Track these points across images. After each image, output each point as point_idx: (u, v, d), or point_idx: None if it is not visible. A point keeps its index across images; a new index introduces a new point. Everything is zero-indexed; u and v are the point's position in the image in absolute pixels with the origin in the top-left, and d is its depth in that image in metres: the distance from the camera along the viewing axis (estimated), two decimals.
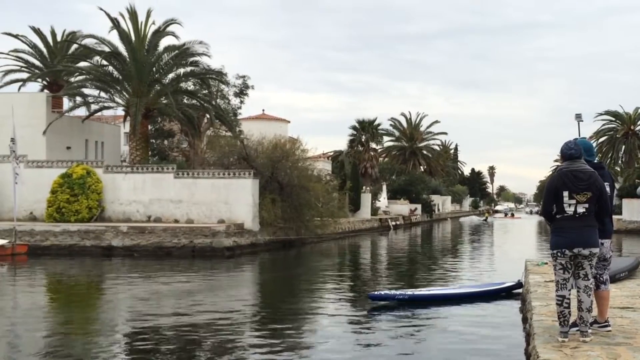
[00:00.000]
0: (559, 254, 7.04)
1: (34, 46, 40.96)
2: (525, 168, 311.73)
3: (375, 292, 14.99)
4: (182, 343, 10.94)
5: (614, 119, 66.51)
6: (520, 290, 14.87)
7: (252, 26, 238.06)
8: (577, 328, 7.11)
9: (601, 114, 66.47)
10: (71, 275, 22.24)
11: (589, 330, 7.07)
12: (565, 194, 6.95)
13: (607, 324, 7.55)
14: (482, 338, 11.05)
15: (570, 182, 6.94)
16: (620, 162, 65.47)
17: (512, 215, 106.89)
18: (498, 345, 10.50)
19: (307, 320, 13.60)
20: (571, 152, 7.09)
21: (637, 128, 65.92)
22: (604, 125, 67.15)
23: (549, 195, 7.11)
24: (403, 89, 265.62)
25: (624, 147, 65.29)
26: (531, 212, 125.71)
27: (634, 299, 10.01)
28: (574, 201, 6.93)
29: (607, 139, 66.28)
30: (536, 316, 8.67)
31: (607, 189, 7.27)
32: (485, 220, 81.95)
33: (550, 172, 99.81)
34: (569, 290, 7.06)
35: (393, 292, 15.14)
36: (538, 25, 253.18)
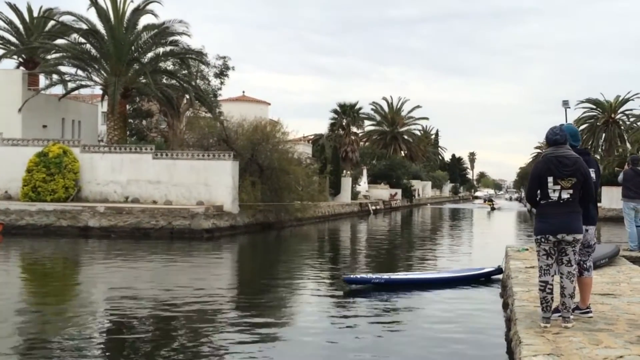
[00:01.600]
0: (542, 240, 6.99)
1: (9, 22, 40.10)
2: (505, 154, 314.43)
3: (351, 276, 14.86)
4: (159, 324, 10.75)
5: (595, 106, 66.88)
6: (499, 276, 14.84)
7: (233, 7, 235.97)
8: (559, 314, 7.09)
9: (582, 102, 66.83)
10: (46, 255, 21.90)
11: (571, 316, 7.06)
12: (550, 179, 6.89)
13: (588, 310, 7.55)
14: (461, 323, 10.94)
15: (555, 167, 6.88)
16: (600, 150, 65.93)
17: (491, 201, 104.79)
18: (477, 330, 10.41)
19: (281, 304, 13.40)
20: (556, 137, 7.03)
21: (618, 116, 66.38)
22: (584, 113, 67.51)
23: (534, 181, 7.05)
24: (385, 73, 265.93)
25: (604, 135, 65.70)
26: (510, 199, 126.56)
27: (615, 286, 10.00)
28: (558, 187, 6.89)
29: (587, 127, 66.63)
30: (518, 302, 8.61)
31: (592, 175, 7.22)
32: (492, 209, 72.07)
33: (531, 159, 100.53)
34: (552, 276, 7.02)
35: (369, 275, 15.01)
36: (523, 11, 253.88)
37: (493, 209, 73.17)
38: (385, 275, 14.95)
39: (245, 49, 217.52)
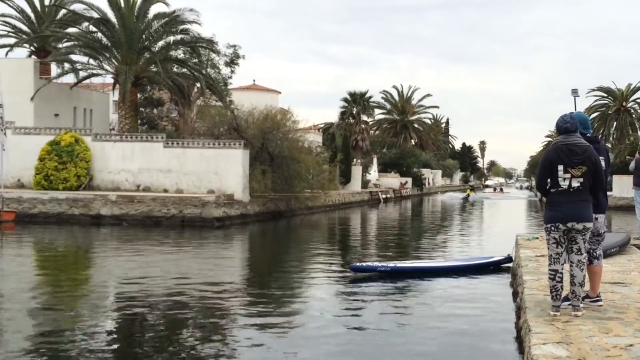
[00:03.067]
0: (552, 228, 6.98)
1: (21, 11, 40.20)
2: (516, 143, 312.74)
3: (357, 264, 14.89)
4: (169, 312, 10.84)
5: (606, 95, 66.44)
6: (509, 265, 14.83)
7: None
8: (569, 302, 7.08)
9: (594, 90, 66.39)
10: (59, 243, 22.10)
11: (581, 305, 7.04)
12: (560, 167, 6.86)
13: (598, 298, 7.52)
14: (470, 311, 10.93)
15: (565, 155, 6.85)
16: (611, 138, 65.53)
17: (501, 190, 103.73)
18: (486, 318, 10.43)
19: (289, 293, 13.37)
20: (567, 125, 6.99)
21: (629, 104, 65.92)
22: (596, 101, 67.10)
23: (544, 169, 7.02)
24: (394, 61, 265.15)
25: (615, 123, 65.31)
26: (521, 187, 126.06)
27: (625, 274, 9.99)
28: (568, 175, 6.86)
29: (599, 115, 66.24)
30: (527, 290, 8.61)
31: (602, 163, 7.19)
32: (467, 197, 67.95)
33: (542, 148, 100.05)
34: (562, 264, 7.02)
35: (375, 263, 15.01)
36: None
37: (469, 195, 69.10)
38: (391, 264, 14.93)
39: (255, 37, 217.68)
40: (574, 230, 6.91)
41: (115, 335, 9.51)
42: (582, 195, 6.90)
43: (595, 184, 7.00)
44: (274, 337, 9.37)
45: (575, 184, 6.86)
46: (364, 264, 15.05)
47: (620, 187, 46.34)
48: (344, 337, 9.36)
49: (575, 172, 6.84)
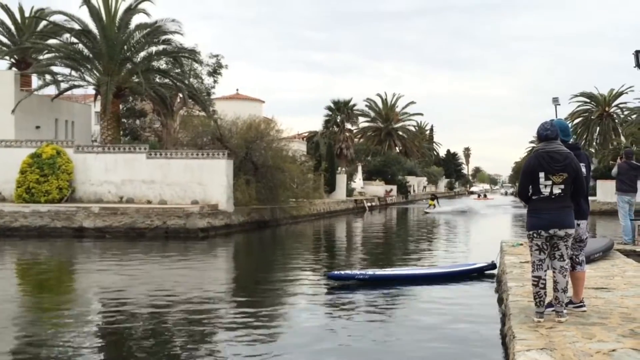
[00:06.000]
0: (534, 235, 7.03)
1: (1, 23, 39.88)
2: (501, 149, 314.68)
3: (335, 272, 14.82)
4: (154, 325, 10.72)
5: (589, 100, 67.08)
6: (494, 272, 14.82)
7: (222, 2, 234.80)
8: (552, 308, 7.12)
9: (576, 95, 67.04)
10: (42, 257, 21.81)
11: (565, 311, 7.07)
12: (542, 175, 6.94)
13: (582, 304, 7.56)
14: (454, 318, 10.89)
15: (546, 163, 6.93)
16: (595, 143, 66.12)
17: (485, 196, 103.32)
18: (471, 325, 10.38)
19: (271, 303, 13.10)
20: (547, 132, 7.08)
21: (612, 109, 66.55)
22: (579, 106, 67.74)
23: (525, 177, 7.10)
24: (379, 68, 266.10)
25: (598, 128, 65.94)
26: (506, 193, 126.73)
27: (609, 280, 10.02)
28: (550, 182, 6.93)
29: (582, 120, 66.88)
30: (512, 297, 8.62)
31: (583, 169, 7.27)
32: (426, 212, 50.13)
33: (526, 153, 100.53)
34: (545, 271, 7.06)
35: (354, 271, 14.95)
36: (517, 4, 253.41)
37: (432, 206, 52.46)
38: (370, 271, 14.84)
39: (238, 46, 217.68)
40: (556, 236, 6.96)
41: (97, 348, 9.36)
42: (564, 201, 6.96)
43: (577, 190, 7.06)
44: (256, 348, 9.26)
45: (557, 190, 6.92)
46: (342, 272, 14.94)
47: (604, 192, 46.69)
48: (328, 347, 9.27)
49: (556, 179, 6.91)
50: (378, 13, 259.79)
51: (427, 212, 49.67)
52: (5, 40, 40.31)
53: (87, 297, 13.96)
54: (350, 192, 57.88)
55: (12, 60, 40.37)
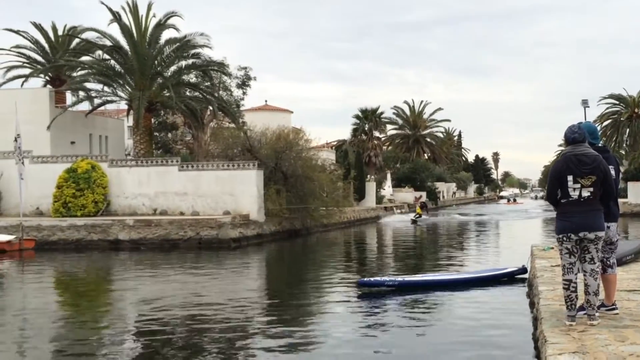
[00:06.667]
0: (564, 239, 7.03)
1: (35, 42, 40.92)
2: (529, 153, 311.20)
3: (365, 279, 14.94)
4: (189, 335, 10.97)
5: (617, 102, 66.30)
6: (525, 276, 14.84)
7: (247, 17, 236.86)
8: (584, 312, 7.11)
9: (605, 98, 66.32)
10: (80, 270, 22.33)
11: (597, 314, 7.06)
12: (570, 178, 6.93)
13: (614, 307, 7.54)
14: (486, 323, 10.95)
15: (575, 166, 6.93)
16: (625, 145, 65.31)
17: (515, 201, 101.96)
18: (504, 329, 10.47)
19: (304, 312, 13.31)
20: (574, 136, 7.07)
21: None
22: (607, 108, 66.97)
23: (554, 180, 7.08)
24: (402, 75, 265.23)
25: (628, 130, 65.13)
26: (536, 197, 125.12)
27: None
28: (578, 185, 6.92)
29: (611, 123, 66.11)
30: (543, 300, 8.67)
31: (612, 172, 7.23)
32: (414, 221, 44.74)
33: (555, 157, 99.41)
34: (576, 274, 7.06)
35: (383, 278, 15.04)
36: (538, 10, 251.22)
37: (417, 218, 45.42)
38: (400, 278, 14.95)
39: (265, 58, 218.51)
40: (586, 239, 6.95)
41: (135, 356, 9.66)
42: (593, 204, 6.95)
43: (606, 192, 7.04)
44: (291, 357, 9.45)
45: (586, 193, 6.92)
46: (372, 279, 15.06)
47: (636, 193, 46.11)
48: (361, 355, 9.44)
49: (584, 182, 6.90)
50: (399, 24, 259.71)
51: (414, 221, 44.59)
52: (39, 58, 41.32)
53: (123, 309, 14.27)
54: (379, 199, 57.90)
55: (47, 77, 41.39)
